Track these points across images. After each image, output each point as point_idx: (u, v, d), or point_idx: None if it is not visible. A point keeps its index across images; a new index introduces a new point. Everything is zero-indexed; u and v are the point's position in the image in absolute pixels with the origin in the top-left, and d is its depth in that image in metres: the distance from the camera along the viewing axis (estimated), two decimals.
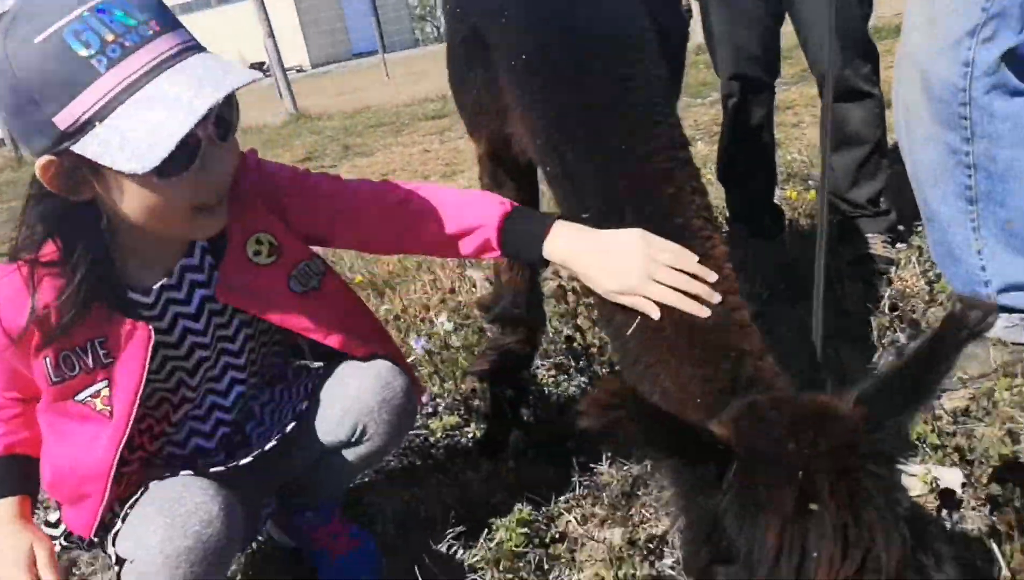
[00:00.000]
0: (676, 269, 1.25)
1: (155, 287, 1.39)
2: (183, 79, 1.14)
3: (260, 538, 1.84)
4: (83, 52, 1.11)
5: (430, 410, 2.36)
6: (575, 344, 2.38)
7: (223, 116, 1.25)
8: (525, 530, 1.69)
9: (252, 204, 1.45)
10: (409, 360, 2.54)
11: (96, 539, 1.42)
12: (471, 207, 1.46)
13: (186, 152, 1.17)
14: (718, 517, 1.00)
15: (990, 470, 1.54)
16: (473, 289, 3.19)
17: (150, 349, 1.35)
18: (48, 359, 1.32)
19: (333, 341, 1.51)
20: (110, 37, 1.12)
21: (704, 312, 1.23)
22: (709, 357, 1.23)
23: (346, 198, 1.51)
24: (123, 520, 1.37)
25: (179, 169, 1.19)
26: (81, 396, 1.35)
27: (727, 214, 3.17)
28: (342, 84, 18.67)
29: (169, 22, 1.18)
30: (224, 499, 1.35)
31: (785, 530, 0.94)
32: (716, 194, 3.35)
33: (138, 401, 1.35)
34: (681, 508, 1.07)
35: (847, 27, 2.46)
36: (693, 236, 1.28)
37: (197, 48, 1.21)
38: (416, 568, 1.62)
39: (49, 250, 1.30)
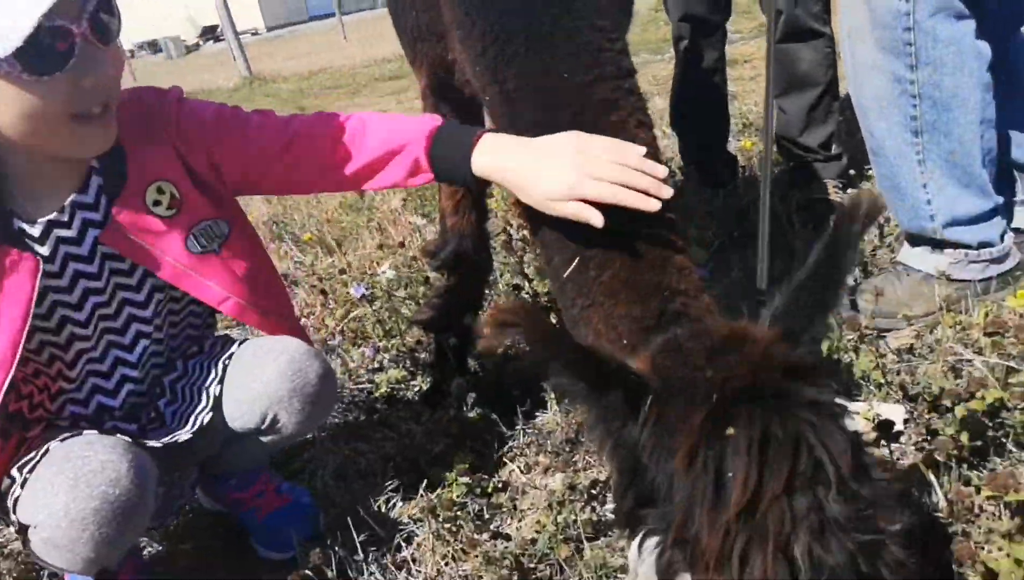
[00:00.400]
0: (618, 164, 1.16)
1: (42, 220, 1.29)
2: None
3: (188, 505, 1.77)
4: None
5: (376, 365, 2.30)
6: (523, 293, 2.32)
7: (101, 19, 1.16)
8: (466, 480, 1.65)
9: (163, 146, 1.36)
10: (352, 314, 2.48)
11: None
12: (402, 126, 1.37)
13: (60, 48, 1.09)
14: (638, 455, 0.96)
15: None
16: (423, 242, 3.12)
17: (38, 281, 1.25)
18: None
19: (227, 309, 1.42)
20: None
21: (654, 206, 1.14)
22: (640, 296, 1.17)
23: (277, 129, 1.41)
24: (23, 486, 1.27)
25: (52, 67, 1.10)
26: None
27: (681, 163, 3.13)
28: (297, 47, 18.21)
29: None
30: (133, 457, 1.26)
31: (696, 454, 0.88)
32: (672, 147, 3.32)
33: (24, 337, 1.25)
34: (602, 448, 1.01)
35: None
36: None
37: None
38: (349, 520, 1.56)
39: None
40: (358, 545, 1.52)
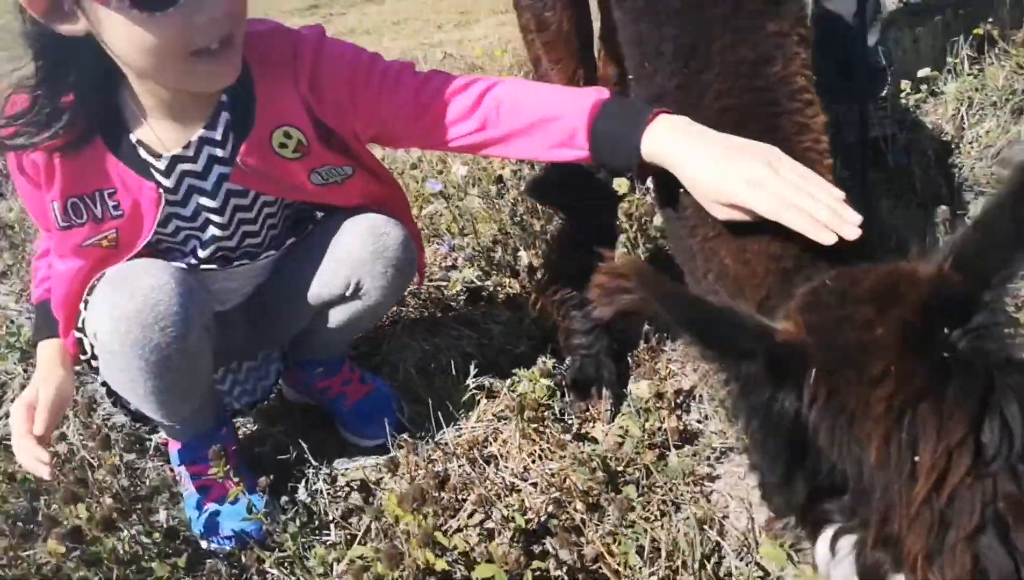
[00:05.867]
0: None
1: (167, 155, 1.30)
2: None
3: (271, 396, 1.82)
4: None
5: (449, 262, 2.30)
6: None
7: None
8: (548, 382, 1.66)
9: (293, 94, 1.30)
10: (425, 211, 2.47)
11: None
12: (561, 95, 1.25)
13: None
14: (799, 434, 0.84)
15: None
16: None
17: (160, 210, 1.31)
18: (56, 204, 1.28)
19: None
20: None
21: (828, 237, 0.97)
22: (781, 230, 1.02)
23: (414, 88, 1.31)
24: (86, 307, 1.35)
25: (161, 3, 1.05)
26: (88, 243, 1.32)
27: None
28: None
29: None
30: (177, 273, 1.31)
31: (889, 444, 0.77)
32: None
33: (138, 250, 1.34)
34: (746, 424, 0.91)
35: None
36: (792, 95, 1.06)
37: None
38: (440, 414, 1.59)
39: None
40: (449, 439, 1.56)
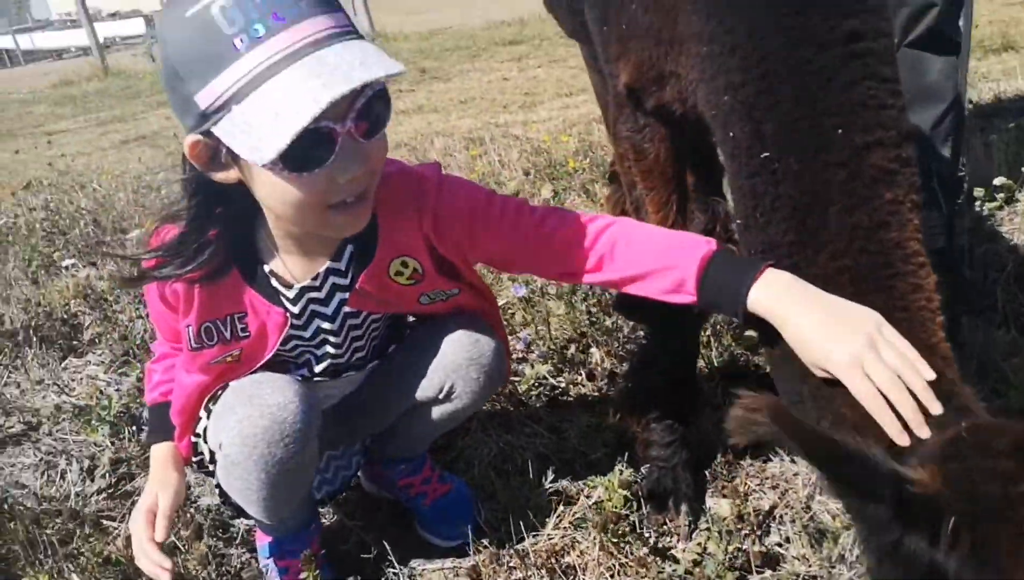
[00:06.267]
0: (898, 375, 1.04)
1: (298, 286, 1.40)
2: (317, 68, 1.05)
3: (349, 488, 1.86)
4: (227, 29, 1.05)
5: (520, 355, 2.35)
6: None
7: (372, 111, 1.15)
8: (626, 492, 1.67)
9: (414, 229, 1.39)
10: (502, 303, 2.53)
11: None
12: (673, 243, 1.30)
13: (321, 147, 1.11)
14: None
15: None
16: None
17: (284, 333, 1.40)
18: (191, 328, 1.37)
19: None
20: (255, 15, 1.04)
21: (903, 440, 1.01)
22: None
23: (530, 229, 1.37)
24: (208, 417, 1.43)
25: (312, 164, 1.12)
26: (215, 361, 1.41)
27: None
28: (416, 2, 18.32)
29: (320, 3, 1.09)
30: (301, 390, 1.38)
31: None
32: None
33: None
34: (876, 563, 0.94)
35: None
36: (906, 258, 1.09)
37: (347, 34, 1.10)
38: (521, 524, 1.61)
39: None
40: (529, 551, 1.57)
